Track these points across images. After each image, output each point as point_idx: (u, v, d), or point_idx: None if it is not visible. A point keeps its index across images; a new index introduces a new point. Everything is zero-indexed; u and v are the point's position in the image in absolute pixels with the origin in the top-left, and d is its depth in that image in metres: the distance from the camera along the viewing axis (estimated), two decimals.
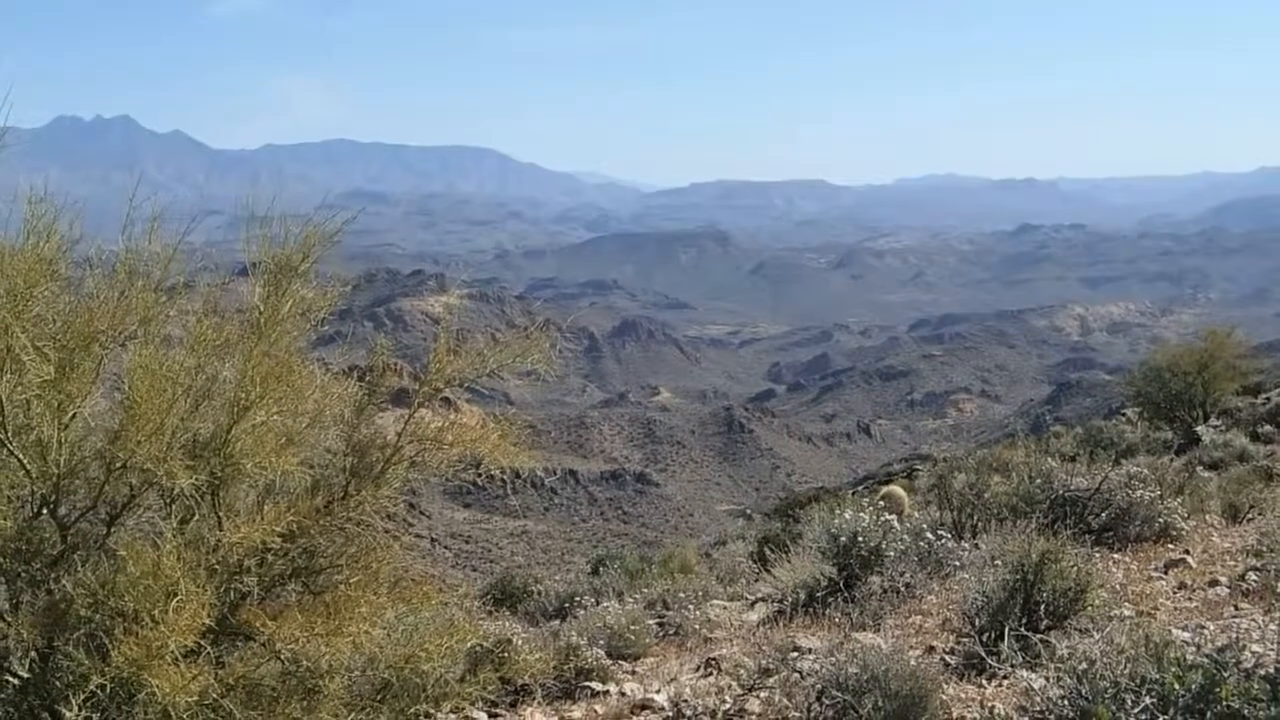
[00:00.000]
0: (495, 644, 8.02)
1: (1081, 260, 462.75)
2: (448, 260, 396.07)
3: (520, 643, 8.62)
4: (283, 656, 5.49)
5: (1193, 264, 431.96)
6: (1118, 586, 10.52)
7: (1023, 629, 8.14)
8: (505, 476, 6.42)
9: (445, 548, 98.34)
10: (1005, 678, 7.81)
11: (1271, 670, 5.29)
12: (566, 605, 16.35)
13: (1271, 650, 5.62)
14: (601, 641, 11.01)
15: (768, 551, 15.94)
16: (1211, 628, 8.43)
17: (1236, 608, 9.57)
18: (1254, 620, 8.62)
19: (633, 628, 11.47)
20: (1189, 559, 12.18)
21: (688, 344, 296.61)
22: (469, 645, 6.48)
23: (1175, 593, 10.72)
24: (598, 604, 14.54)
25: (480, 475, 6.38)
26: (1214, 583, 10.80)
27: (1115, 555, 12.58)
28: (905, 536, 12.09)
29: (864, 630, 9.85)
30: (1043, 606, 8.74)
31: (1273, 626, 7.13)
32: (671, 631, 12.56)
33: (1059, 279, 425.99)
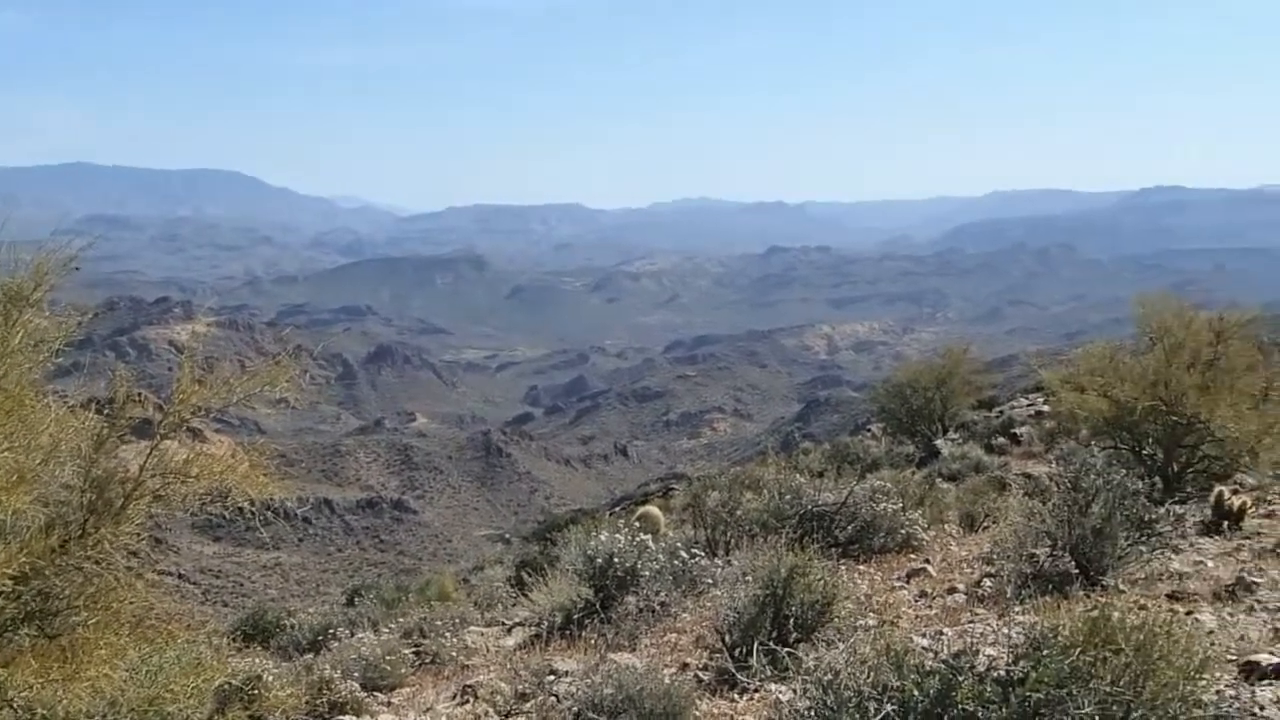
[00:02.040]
0: (245, 681, 7.82)
1: (828, 281, 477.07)
2: (195, 287, 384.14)
3: (271, 679, 8.43)
4: (15, 705, 5.25)
5: (931, 284, 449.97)
6: (863, 597, 10.88)
7: (772, 643, 8.33)
8: (256, 508, 6.27)
9: (194, 584, 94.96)
10: (756, 691, 7.99)
11: (1003, 673, 5.54)
12: (321, 638, 16.04)
13: (1004, 653, 5.87)
14: (356, 673, 10.85)
15: (526, 575, 15.94)
16: (949, 634, 8.80)
17: (973, 613, 10.00)
18: (989, 625, 9.04)
19: (388, 658, 11.34)
20: (929, 568, 12.69)
21: (445, 369, 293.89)
22: (217, 684, 6.32)
23: (916, 601, 11.15)
24: (353, 635, 14.31)
25: (229, 507, 6.22)
26: (952, 590, 11.27)
27: (861, 567, 13.03)
28: (660, 556, 12.27)
29: (620, 650, 9.95)
30: (792, 620, 8.97)
31: (1005, 630, 7.47)
32: (428, 660, 12.46)
33: (806, 300, 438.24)
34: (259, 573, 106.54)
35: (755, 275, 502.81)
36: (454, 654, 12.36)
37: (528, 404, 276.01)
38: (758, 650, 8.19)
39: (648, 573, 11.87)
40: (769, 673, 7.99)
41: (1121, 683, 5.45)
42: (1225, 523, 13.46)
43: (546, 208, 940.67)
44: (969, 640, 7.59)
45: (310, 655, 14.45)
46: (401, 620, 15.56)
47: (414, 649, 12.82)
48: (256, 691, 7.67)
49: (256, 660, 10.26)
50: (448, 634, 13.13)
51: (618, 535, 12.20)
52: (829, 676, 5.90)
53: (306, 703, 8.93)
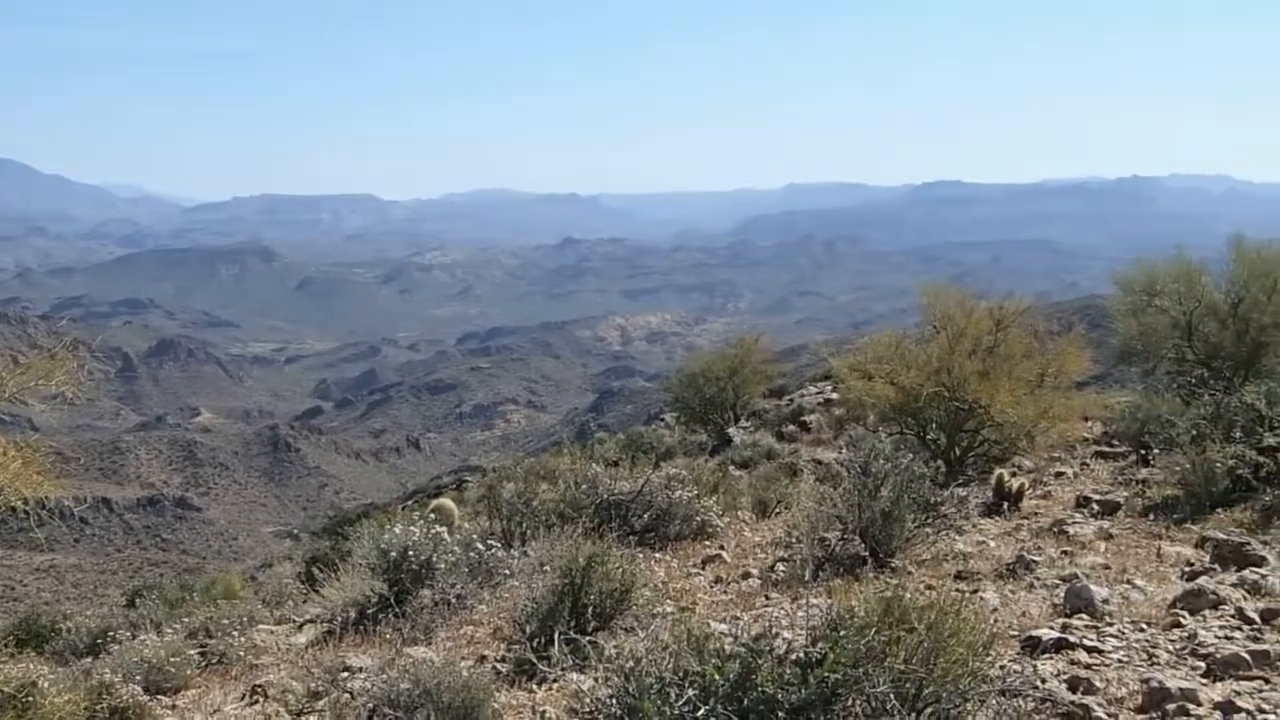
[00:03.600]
0: (18, 688, 7.43)
1: (621, 272, 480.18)
2: None
3: (47, 685, 8.03)
4: None
5: (723, 276, 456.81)
6: (660, 584, 10.97)
7: (571, 632, 8.31)
8: (29, 508, 5.96)
9: None
10: (556, 681, 7.95)
11: (801, 655, 5.60)
12: (100, 641, 15.50)
13: (800, 636, 5.93)
14: (139, 676, 10.50)
15: (316, 571, 15.65)
16: (746, 618, 8.91)
17: (768, 598, 10.16)
18: (784, 609, 9.20)
19: (172, 659, 10.99)
20: (724, 554, 12.86)
21: (231, 363, 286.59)
22: None
23: (712, 587, 11.29)
24: (134, 637, 13.82)
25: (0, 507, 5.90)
26: (747, 575, 11.43)
27: (657, 554, 13.12)
28: (456, 548, 12.14)
29: (416, 644, 9.82)
30: (590, 609, 8.98)
31: (800, 614, 7.59)
32: (215, 660, 12.12)
33: (601, 291, 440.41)
34: (32, 575, 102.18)
35: (550, 266, 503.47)
36: (242, 653, 12.04)
37: (317, 397, 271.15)
38: (558, 639, 8.15)
39: (443, 565, 11.73)
40: (570, 662, 7.96)
41: (915, 661, 5.58)
42: (1005, 504, 14.01)
43: (337, 198, 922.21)
44: (766, 624, 7.69)
45: (89, 659, 13.93)
46: (186, 620, 15.13)
47: (200, 649, 12.45)
48: (31, 698, 7.30)
49: (30, 666, 9.80)
50: (235, 633, 12.78)
51: (412, 528, 12.02)
52: (630, 664, 5.89)
53: (86, 708, 8.54)
